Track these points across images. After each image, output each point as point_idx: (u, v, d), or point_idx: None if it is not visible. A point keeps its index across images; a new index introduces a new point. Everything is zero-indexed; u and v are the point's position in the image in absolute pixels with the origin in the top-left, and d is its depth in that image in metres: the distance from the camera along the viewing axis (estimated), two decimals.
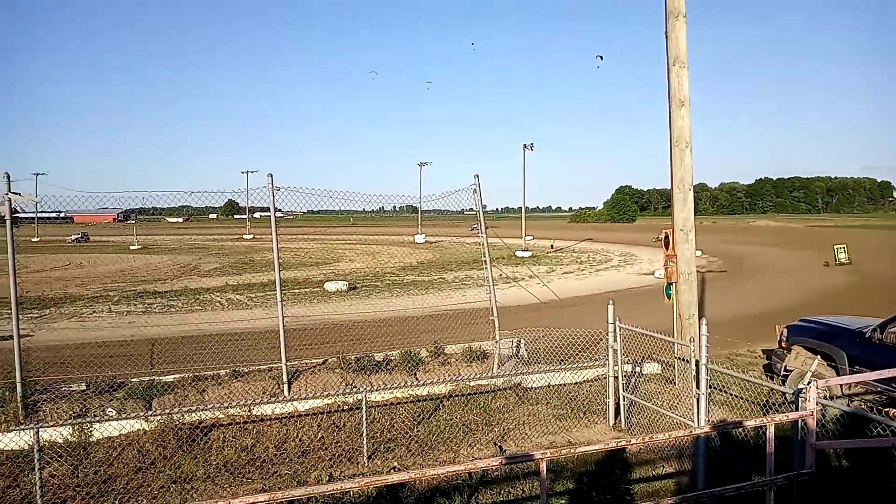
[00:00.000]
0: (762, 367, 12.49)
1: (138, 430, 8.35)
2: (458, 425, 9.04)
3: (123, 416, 8.44)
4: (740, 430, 7.63)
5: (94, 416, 8.55)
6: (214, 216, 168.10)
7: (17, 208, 8.98)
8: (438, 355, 11.56)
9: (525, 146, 55.57)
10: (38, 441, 6.92)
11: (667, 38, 10.65)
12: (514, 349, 11.77)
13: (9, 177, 8.48)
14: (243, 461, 7.88)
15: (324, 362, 10.83)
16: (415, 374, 10.80)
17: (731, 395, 9.52)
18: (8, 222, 8.58)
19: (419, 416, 9.28)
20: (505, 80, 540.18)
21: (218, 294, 26.17)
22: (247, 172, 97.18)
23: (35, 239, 70.49)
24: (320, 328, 16.72)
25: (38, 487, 6.91)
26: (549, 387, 10.51)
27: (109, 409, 8.73)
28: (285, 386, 9.58)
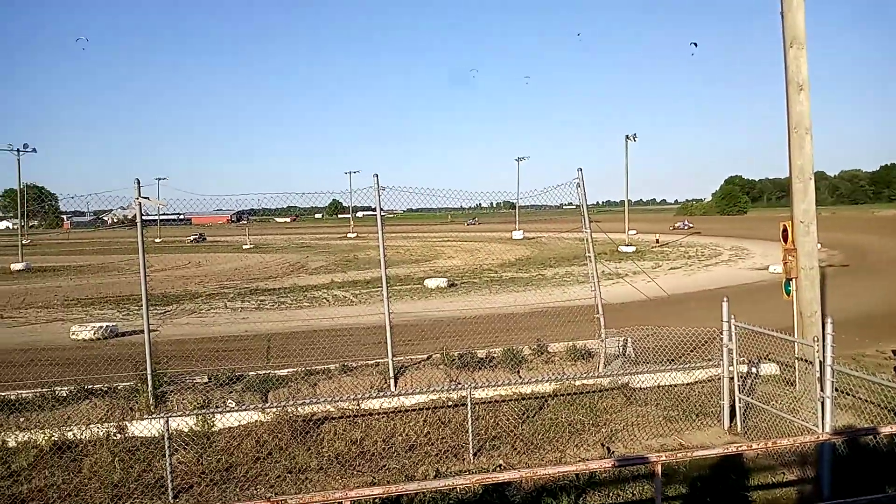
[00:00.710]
0: (893, 370, 11.53)
1: (256, 421, 8.79)
2: (564, 425, 8.91)
3: (242, 407, 8.91)
4: (872, 436, 7.08)
5: (216, 407, 9.09)
6: (320, 216, 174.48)
7: (145, 211, 9.69)
8: (541, 353, 11.45)
9: (627, 137, 54.10)
10: (167, 430, 7.43)
11: (783, 17, 10.00)
12: (621, 348, 11.46)
13: (139, 182, 9.14)
14: (353, 454, 8.12)
15: (428, 358, 10.99)
16: (518, 371, 10.75)
17: (859, 398, 8.85)
18: (139, 225, 9.26)
19: (523, 414, 9.23)
20: (606, 69, 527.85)
21: (324, 291, 27.14)
22: (350, 173, 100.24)
23: (158, 240, 75.88)
24: (422, 324, 16.98)
25: (168, 472, 7.42)
26: (658, 387, 10.16)
27: (230, 401, 9.25)
28: (391, 381, 9.79)
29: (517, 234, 68.50)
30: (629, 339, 11.65)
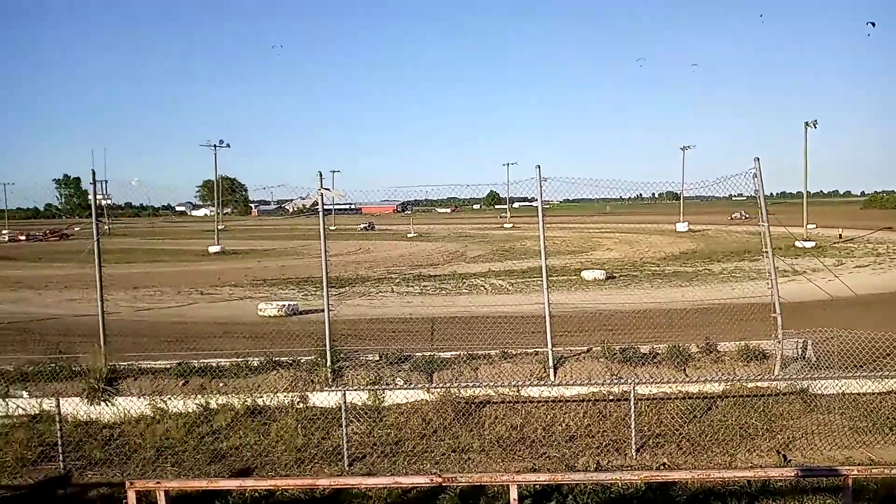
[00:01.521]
0: None
1: (422, 399, 9.27)
2: (734, 428, 8.48)
3: (410, 386, 9.44)
4: None
5: (386, 384, 9.70)
6: (478, 206, 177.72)
7: (326, 201, 10.53)
8: (709, 352, 10.91)
9: (807, 123, 49.27)
10: (345, 402, 8.08)
11: None
12: (800, 350, 10.62)
13: (321, 175, 9.96)
14: (514, 439, 8.32)
15: (588, 350, 10.91)
16: (683, 369, 10.35)
17: None
18: (320, 213, 10.11)
19: (689, 413, 8.90)
20: (784, 52, 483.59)
21: (482, 279, 27.70)
22: (507, 164, 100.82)
23: (332, 227, 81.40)
24: (579, 316, 16.80)
25: (344, 441, 8.08)
26: (843, 395, 9.32)
27: (398, 379, 9.83)
28: (551, 370, 9.86)
29: (681, 226, 65.10)
30: (809, 342, 10.76)
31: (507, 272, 30.06)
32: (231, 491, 6.83)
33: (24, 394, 9.92)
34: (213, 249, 47.03)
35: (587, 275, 26.84)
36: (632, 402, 7.96)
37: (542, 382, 9.56)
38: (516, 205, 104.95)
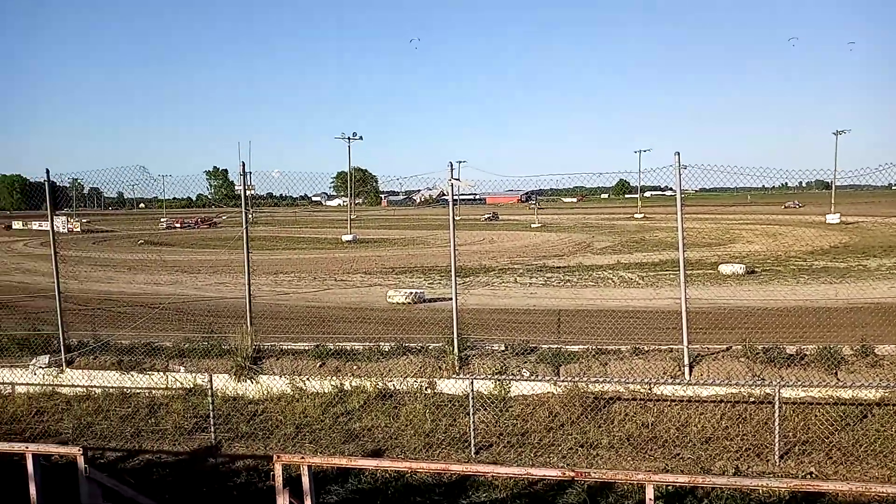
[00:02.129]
0: None
1: (548, 392, 9.20)
2: (894, 439, 7.71)
3: (537, 378, 9.39)
4: None
5: (512, 374, 9.70)
6: (606, 196, 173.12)
7: (454, 191, 10.66)
8: (866, 355, 9.97)
9: None
10: (472, 390, 8.18)
11: None
12: None
13: (451, 165, 10.08)
14: (645, 437, 8.06)
15: (727, 349, 10.32)
16: (835, 373, 9.53)
17: None
18: (450, 204, 10.26)
19: (841, 420, 8.19)
20: None
21: (610, 271, 26.95)
22: (639, 152, 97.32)
23: (457, 218, 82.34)
24: (716, 312, 15.92)
25: (471, 429, 8.18)
26: None
27: (524, 370, 9.80)
28: (686, 369, 9.43)
29: (832, 218, 59.85)
30: None
31: (637, 264, 29.05)
32: (364, 470, 7.14)
33: (181, 369, 10.88)
34: (345, 238, 49.25)
35: (725, 269, 25.38)
36: (776, 405, 7.45)
37: (677, 381, 9.17)
38: (647, 194, 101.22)
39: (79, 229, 63.72)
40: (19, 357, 11.70)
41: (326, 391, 10.20)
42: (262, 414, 9.80)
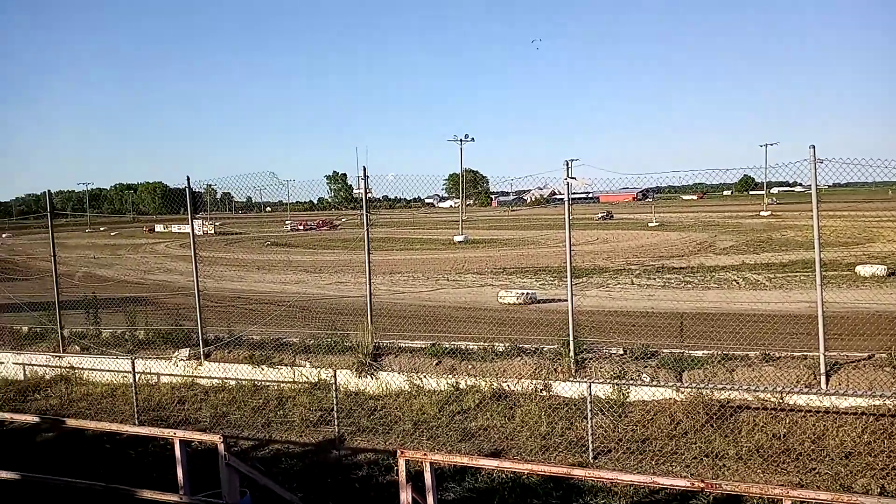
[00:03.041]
0: None
1: (669, 398, 8.87)
2: None
3: (658, 383, 9.08)
4: None
5: (631, 379, 9.45)
6: (728, 192, 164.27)
7: (563, 191, 10.54)
8: None
9: None
10: (590, 394, 8.04)
11: None
12: None
13: (567, 164, 9.97)
14: (776, 450, 7.60)
15: (869, 357, 9.51)
16: None
17: None
18: (566, 203, 10.17)
19: None
20: None
21: (734, 273, 25.57)
22: (765, 146, 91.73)
23: (570, 217, 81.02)
24: (854, 317, 14.70)
25: (589, 434, 8.05)
26: None
27: (644, 375, 9.52)
28: (822, 377, 8.79)
29: None
30: None
31: (763, 265, 27.36)
32: (480, 469, 7.21)
33: (307, 364, 11.45)
34: (457, 239, 49.86)
35: (863, 270, 23.41)
36: None
37: (812, 390, 8.56)
38: (774, 190, 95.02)
39: (213, 231, 68.68)
40: (164, 349, 12.78)
41: (442, 389, 10.38)
42: (382, 409, 10.13)
